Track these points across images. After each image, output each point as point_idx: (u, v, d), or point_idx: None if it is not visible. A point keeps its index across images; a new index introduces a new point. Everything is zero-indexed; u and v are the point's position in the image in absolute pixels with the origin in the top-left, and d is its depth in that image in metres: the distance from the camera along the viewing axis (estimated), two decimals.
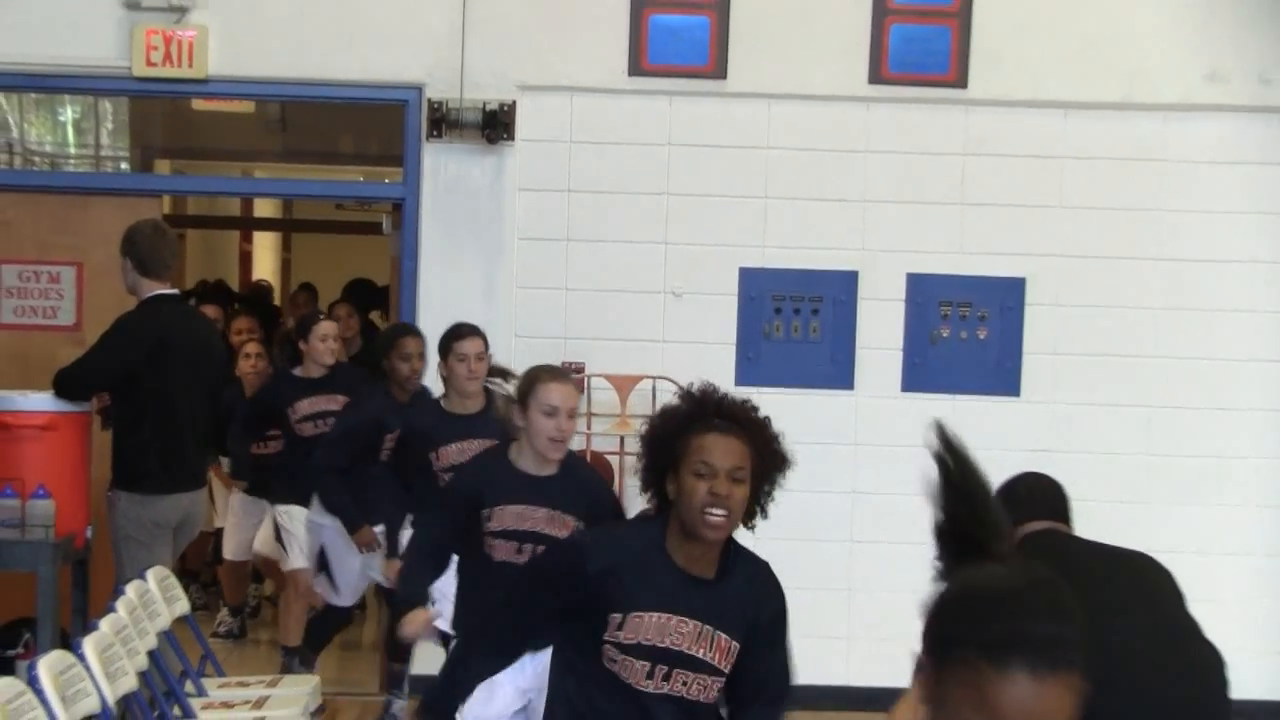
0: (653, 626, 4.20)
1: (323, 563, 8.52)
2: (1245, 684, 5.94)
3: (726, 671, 4.27)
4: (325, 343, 8.70)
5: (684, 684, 4.23)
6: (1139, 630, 4.25)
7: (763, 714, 4.42)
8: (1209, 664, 4.34)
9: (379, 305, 11.64)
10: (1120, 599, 4.31)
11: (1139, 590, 4.42)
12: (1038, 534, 4.53)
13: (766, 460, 4.24)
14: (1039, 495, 4.70)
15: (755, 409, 4.33)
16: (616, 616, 4.21)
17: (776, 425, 4.33)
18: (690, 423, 4.20)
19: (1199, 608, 9.54)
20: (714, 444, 4.13)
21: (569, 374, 5.92)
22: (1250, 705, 8.33)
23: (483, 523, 5.73)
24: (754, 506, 4.23)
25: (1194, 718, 4.19)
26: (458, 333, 7.35)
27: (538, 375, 5.75)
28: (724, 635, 4.23)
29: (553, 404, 5.59)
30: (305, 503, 8.43)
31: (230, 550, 10.07)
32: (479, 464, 6.19)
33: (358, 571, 8.37)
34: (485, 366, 7.48)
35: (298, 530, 8.60)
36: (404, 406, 7.97)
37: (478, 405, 7.44)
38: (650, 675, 4.22)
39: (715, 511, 4.06)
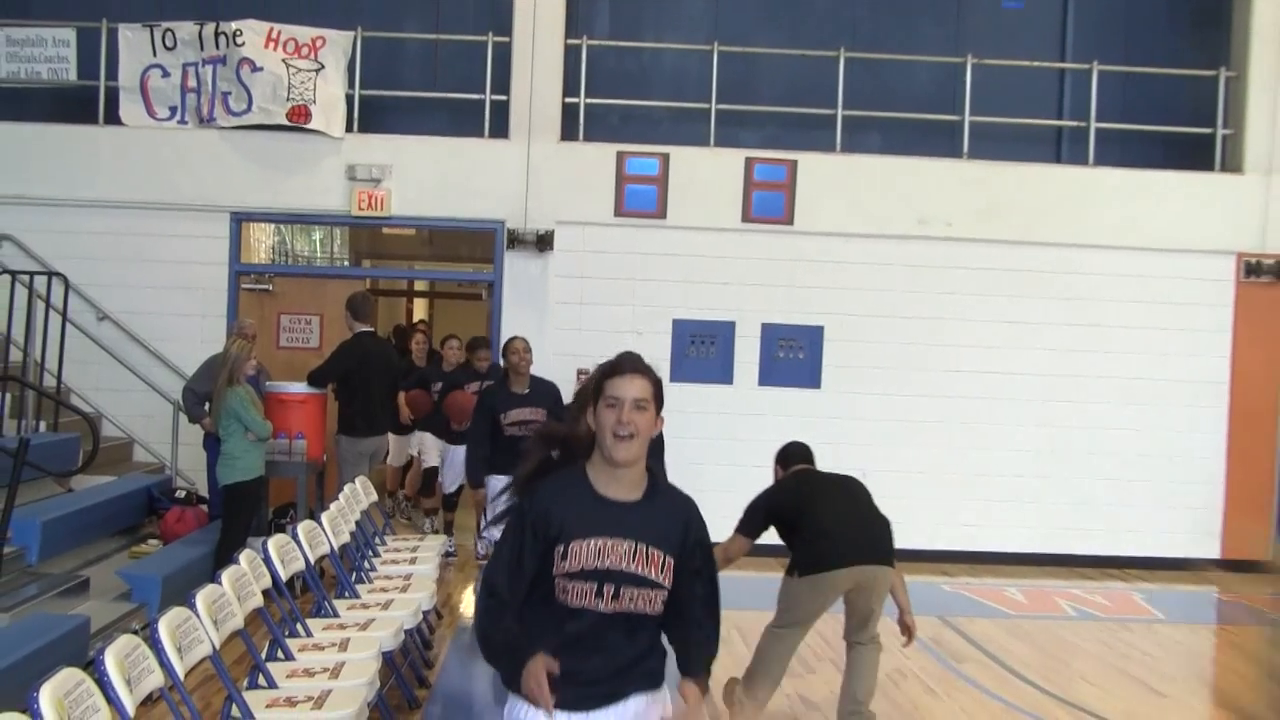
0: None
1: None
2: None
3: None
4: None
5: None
6: (843, 506, 4.79)
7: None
8: (881, 524, 4.79)
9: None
10: (835, 493, 4.85)
11: (845, 491, 4.89)
12: (802, 469, 5.00)
13: None
14: (799, 451, 5.09)
15: None
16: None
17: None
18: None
19: (919, 503, 9.37)
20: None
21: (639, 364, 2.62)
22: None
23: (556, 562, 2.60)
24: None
25: (870, 548, 4.68)
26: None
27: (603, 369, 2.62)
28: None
29: (616, 395, 2.51)
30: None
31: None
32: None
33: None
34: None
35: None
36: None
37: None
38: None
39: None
